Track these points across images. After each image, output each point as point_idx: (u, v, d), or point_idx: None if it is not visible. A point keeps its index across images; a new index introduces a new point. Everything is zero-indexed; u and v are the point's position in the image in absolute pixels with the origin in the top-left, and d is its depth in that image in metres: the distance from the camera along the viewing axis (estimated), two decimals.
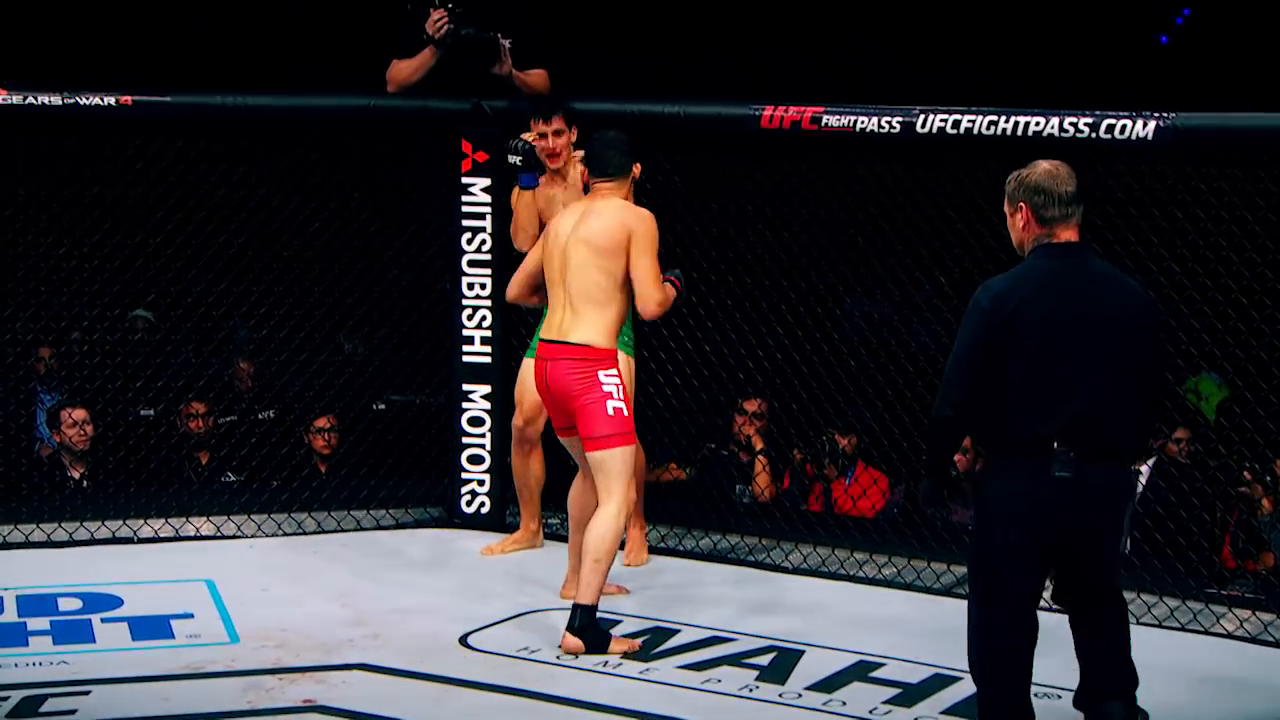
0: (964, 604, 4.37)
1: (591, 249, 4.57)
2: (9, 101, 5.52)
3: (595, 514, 4.59)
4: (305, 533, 5.98)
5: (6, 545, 5.65)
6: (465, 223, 5.95)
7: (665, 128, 5.56)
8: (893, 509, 6.25)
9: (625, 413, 4.60)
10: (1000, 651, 3.71)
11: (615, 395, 4.59)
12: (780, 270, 5.98)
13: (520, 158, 5.26)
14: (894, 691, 4.29)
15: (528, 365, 5.38)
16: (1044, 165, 3.75)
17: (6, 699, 4.06)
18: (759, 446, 6.30)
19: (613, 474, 4.57)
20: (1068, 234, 3.72)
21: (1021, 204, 3.72)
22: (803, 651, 4.59)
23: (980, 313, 3.65)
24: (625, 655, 4.52)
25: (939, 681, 4.36)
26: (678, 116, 5.53)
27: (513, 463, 5.59)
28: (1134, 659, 3.84)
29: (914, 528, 5.59)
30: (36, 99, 5.54)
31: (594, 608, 4.55)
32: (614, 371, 4.62)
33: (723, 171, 5.93)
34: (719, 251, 5.92)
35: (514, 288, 4.92)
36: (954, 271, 5.56)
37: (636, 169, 4.71)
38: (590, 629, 4.54)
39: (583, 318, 4.60)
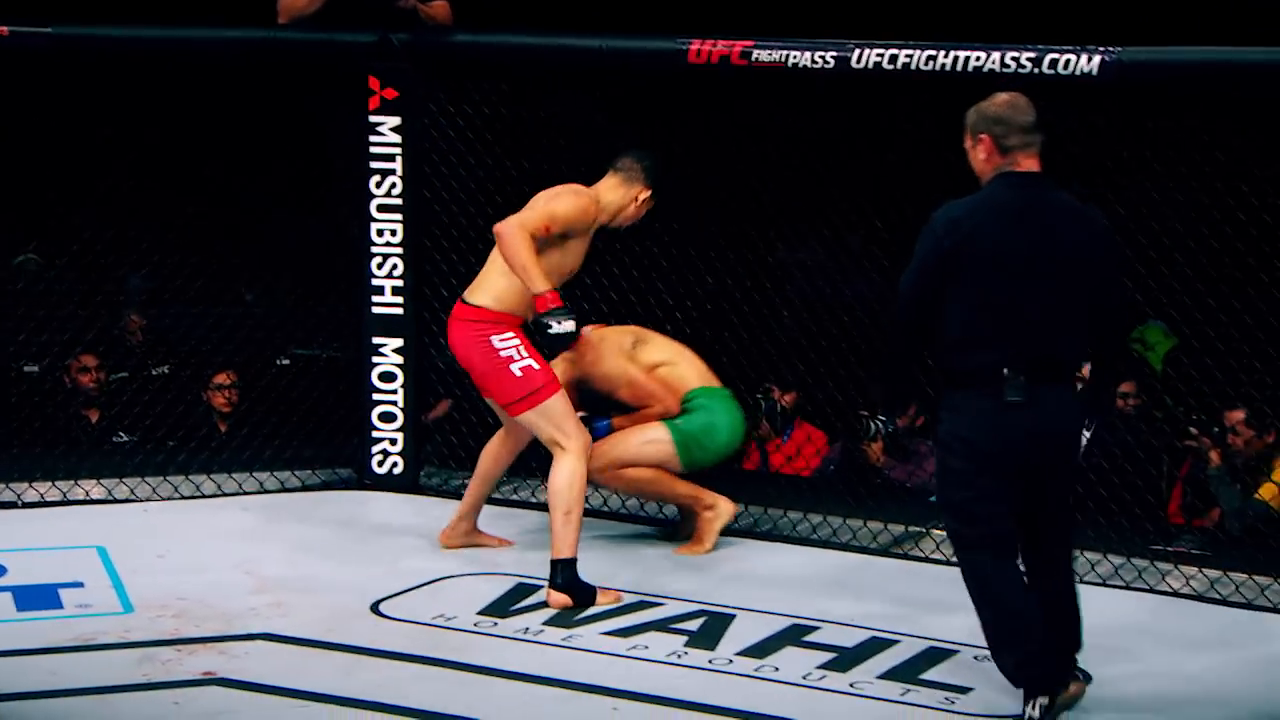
0: (901, 563, 4.42)
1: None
2: None
3: (553, 467, 4.73)
4: (204, 496, 5.91)
5: None
6: (373, 164, 5.88)
7: (588, 64, 5.53)
8: (829, 467, 6.28)
9: (536, 367, 4.72)
10: (989, 579, 3.83)
11: (518, 356, 4.72)
12: (709, 216, 5.97)
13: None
14: (829, 656, 4.32)
15: None
16: (1002, 95, 3.90)
17: None
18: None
19: (552, 426, 4.73)
20: (1029, 163, 3.85)
21: (982, 135, 3.85)
22: (734, 616, 4.60)
23: (932, 236, 3.80)
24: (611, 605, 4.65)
25: (875, 645, 4.40)
26: (599, 51, 5.49)
27: None
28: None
29: (850, 486, 5.63)
30: None
31: (573, 561, 4.68)
32: (509, 335, 4.76)
33: (650, 112, 5.91)
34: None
35: None
36: (889, 214, 5.58)
37: (636, 192, 4.90)
38: (574, 584, 4.67)
39: (486, 279, 4.82)
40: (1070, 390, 3.86)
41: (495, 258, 4.84)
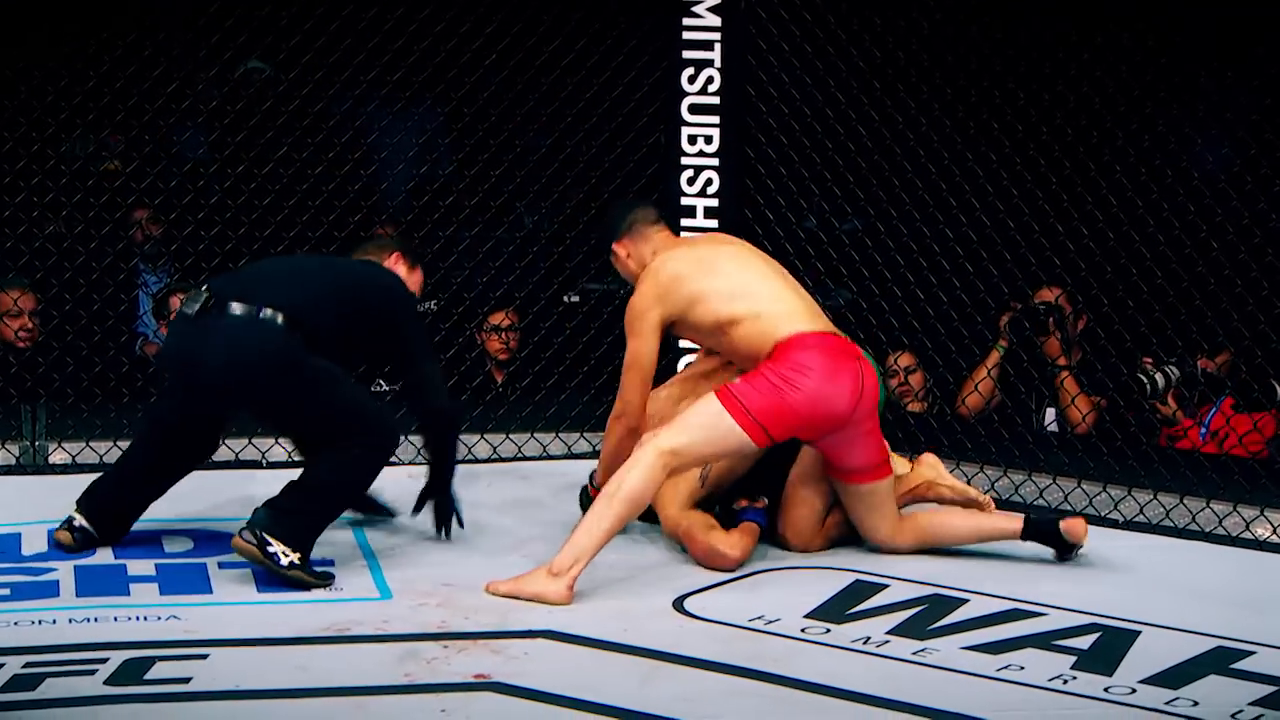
0: None
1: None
2: None
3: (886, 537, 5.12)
4: (477, 460, 6.10)
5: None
6: (687, 54, 5.89)
7: None
8: (1272, 448, 6.06)
9: None
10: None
11: None
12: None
13: None
14: (1267, 689, 4.16)
15: None
16: None
17: (105, 660, 4.19)
18: (1058, 358, 6.19)
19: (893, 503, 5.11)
20: None
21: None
22: (1138, 632, 4.50)
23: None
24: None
25: None
26: None
27: None
28: None
29: None
30: None
31: None
32: None
33: None
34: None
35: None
36: None
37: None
38: None
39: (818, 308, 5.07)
40: None
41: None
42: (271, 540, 4.69)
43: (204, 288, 4.87)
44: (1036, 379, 6.25)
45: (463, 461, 5.99)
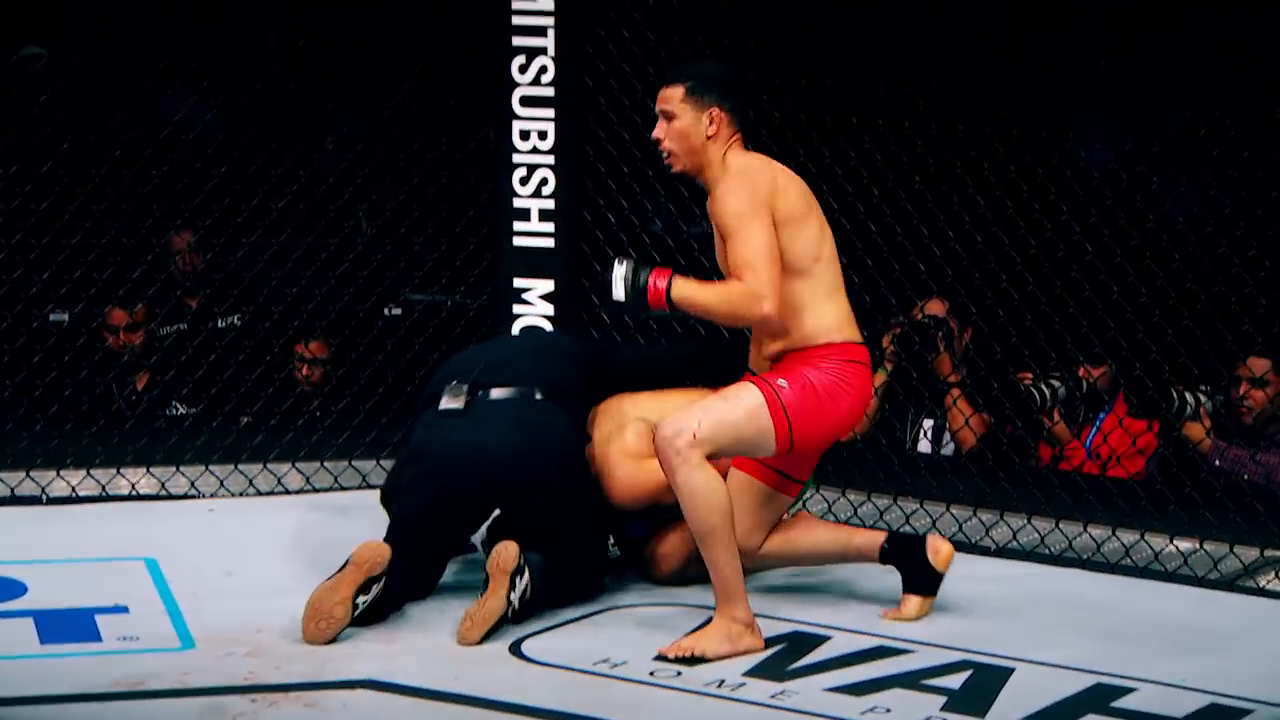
0: (1254, 601, 4.28)
1: None
2: None
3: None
4: (288, 491, 6.06)
5: None
6: (518, 40, 5.89)
7: None
8: (1152, 467, 6.17)
9: None
10: None
11: None
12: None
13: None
14: None
15: None
16: None
17: None
18: (949, 375, 6.24)
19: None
20: None
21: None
22: (1012, 669, 4.55)
23: None
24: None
25: (1215, 714, 4.28)
26: None
27: None
28: None
29: (1178, 490, 5.54)
30: None
31: None
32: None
33: None
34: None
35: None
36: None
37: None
38: None
39: None
40: None
41: None
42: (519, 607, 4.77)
43: (456, 381, 4.93)
44: (901, 396, 6.31)
45: (274, 493, 6.01)
